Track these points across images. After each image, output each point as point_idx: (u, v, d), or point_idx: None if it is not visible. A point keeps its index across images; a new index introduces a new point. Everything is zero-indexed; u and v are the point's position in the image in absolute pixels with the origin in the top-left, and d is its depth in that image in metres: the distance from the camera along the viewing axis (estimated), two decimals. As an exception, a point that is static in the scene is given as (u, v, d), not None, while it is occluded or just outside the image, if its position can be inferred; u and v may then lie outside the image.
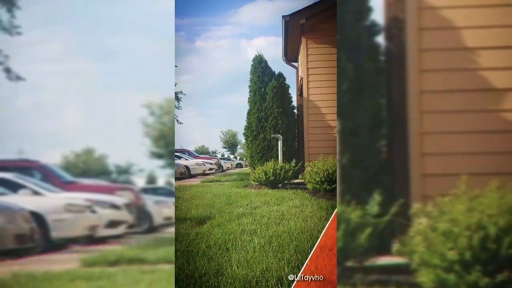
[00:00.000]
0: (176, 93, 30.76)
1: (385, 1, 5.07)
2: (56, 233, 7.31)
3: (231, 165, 33.64)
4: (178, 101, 30.92)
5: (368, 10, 4.89)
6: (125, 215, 8.67)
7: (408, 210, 4.01)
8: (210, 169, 23.26)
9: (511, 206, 3.56)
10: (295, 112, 13.29)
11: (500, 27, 4.71)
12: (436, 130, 4.76)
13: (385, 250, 4.14)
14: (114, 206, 8.47)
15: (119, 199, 8.66)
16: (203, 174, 21.64)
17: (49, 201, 7.67)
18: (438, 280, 3.61)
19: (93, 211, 7.99)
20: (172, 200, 8.78)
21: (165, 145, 8.04)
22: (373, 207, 4.24)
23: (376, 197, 4.28)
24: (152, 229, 8.67)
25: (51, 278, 4.61)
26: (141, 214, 8.77)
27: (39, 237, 7.11)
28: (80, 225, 7.66)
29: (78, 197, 8.01)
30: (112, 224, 8.33)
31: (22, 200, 7.32)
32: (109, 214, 8.29)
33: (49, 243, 7.17)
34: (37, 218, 7.15)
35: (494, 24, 4.72)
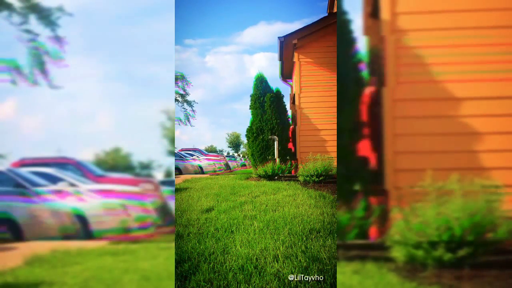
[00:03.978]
0: (190, 102, 30.67)
1: (364, 25, 5.09)
2: (94, 226, 7.32)
3: (237, 164, 33.65)
4: (192, 108, 30.80)
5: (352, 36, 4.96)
6: (151, 214, 8.66)
7: (388, 213, 4.04)
8: (220, 168, 23.35)
9: (473, 210, 3.60)
10: (289, 117, 13.35)
11: (457, 46, 4.74)
12: (407, 132, 4.78)
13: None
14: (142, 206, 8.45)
15: (148, 200, 8.64)
16: (214, 172, 21.72)
17: (90, 203, 7.67)
18: (409, 255, 3.64)
19: (125, 209, 7.98)
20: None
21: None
22: (360, 211, 4.28)
23: (362, 203, 4.32)
24: (171, 221, 8.67)
25: (83, 253, 4.63)
26: (164, 210, 8.77)
27: (80, 231, 7.13)
28: (114, 220, 7.65)
29: (106, 188, 8.02)
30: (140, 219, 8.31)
31: (67, 201, 7.31)
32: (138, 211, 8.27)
33: (88, 235, 7.19)
34: (79, 216, 7.16)
35: (453, 44, 4.75)
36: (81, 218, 7.16)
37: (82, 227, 7.11)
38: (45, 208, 6.62)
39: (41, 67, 7.20)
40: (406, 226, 3.69)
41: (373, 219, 4.22)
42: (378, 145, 4.84)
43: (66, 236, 6.66)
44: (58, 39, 7.07)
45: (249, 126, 13.11)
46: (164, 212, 8.35)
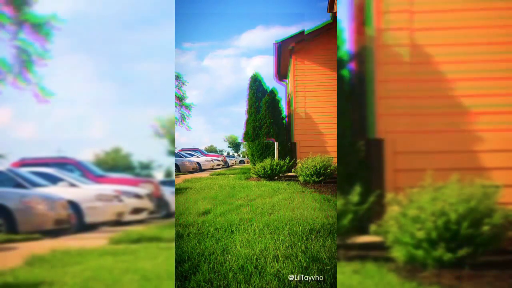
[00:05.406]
0: (188, 105, 30.76)
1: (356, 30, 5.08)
2: (89, 218, 7.31)
3: (235, 161, 33.73)
4: (190, 111, 30.86)
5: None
6: (147, 203, 8.68)
7: (383, 199, 4.01)
8: (218, 164, 23.36)
9: (468, 196, 3.58)
10: (285, 122, 13.37)
11: (457, 45, 4.75)
12: (406, 132, 4.77)
13: (364, 232, 4.14)
14: (137, 196, 8.48)
15: (142, 190, 8.67)
16: (212, 168, 21.74)
17: (83, 192, 7.68)
18: (409, 255, 3.62)
19: (120, 200, 8.00)
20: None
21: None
22: (354, 196, 4.24)
23: (357, 188, 4.28)
24: (169, 214, 8.68)
25: (83, 253, 4.59)
26: (160, 203, 8.78)
27: (75, 222, 7.12)
28: (109, 211, 7.65)
29: (107, 188, 8.02)
30: (136, 210, 8.33)
31: (61, 191, 7.33)
32: (133, 202, 8.29)
33: (83, 226, 7.19)
34: (73, 205, 7.16)
35: (452, 43, 4.75)
36: (77, 209, 7.11)
37: (77, 219, 7.08)
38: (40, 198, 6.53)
39: (29, 66, 7.12)
40: (401, 211, 3.66)
41: (368, 205, 4.18)
42: (377, 146, 4.83)
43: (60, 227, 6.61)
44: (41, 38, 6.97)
45: (245, 131, 13.20)
46: (160, 203, 8.34)
